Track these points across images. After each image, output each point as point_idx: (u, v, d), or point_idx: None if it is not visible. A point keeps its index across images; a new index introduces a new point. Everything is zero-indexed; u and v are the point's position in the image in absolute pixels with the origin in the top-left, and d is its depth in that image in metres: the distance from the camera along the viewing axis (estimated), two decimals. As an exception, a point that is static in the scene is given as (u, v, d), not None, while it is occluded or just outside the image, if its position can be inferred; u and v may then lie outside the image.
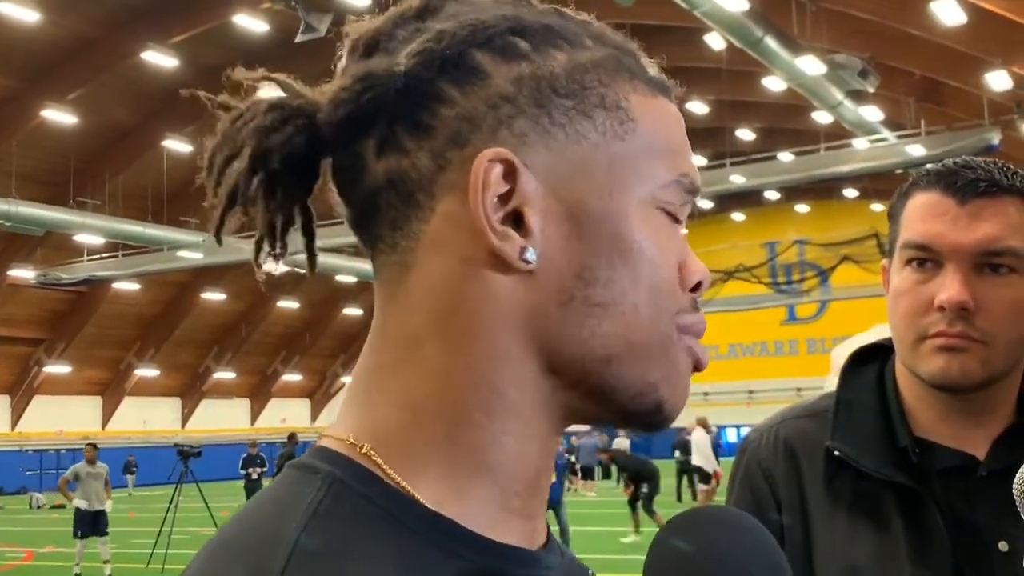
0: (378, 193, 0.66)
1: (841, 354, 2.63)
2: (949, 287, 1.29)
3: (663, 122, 0.70)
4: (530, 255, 0.64)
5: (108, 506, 13.87)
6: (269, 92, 0.70)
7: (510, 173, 0.64)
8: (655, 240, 0.67)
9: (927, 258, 1.32)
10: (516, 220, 0.65)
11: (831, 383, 2.52)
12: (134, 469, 31.39)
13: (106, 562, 13.45)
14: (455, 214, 0.64)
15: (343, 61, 0.70)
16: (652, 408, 0.68)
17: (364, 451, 0.64)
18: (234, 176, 0.67)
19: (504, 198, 0.64)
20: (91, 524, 13.48)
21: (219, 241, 0.70)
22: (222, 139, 0.68)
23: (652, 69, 0.73)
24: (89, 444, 14.65)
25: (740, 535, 0.70)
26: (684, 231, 0.72)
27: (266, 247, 0.70)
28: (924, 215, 1.33)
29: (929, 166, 1.38)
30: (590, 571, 0.76)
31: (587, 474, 26.64)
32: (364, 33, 0.70)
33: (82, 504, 13.53)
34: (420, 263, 0.66)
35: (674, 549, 0.69)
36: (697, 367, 0.71)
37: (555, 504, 13.20)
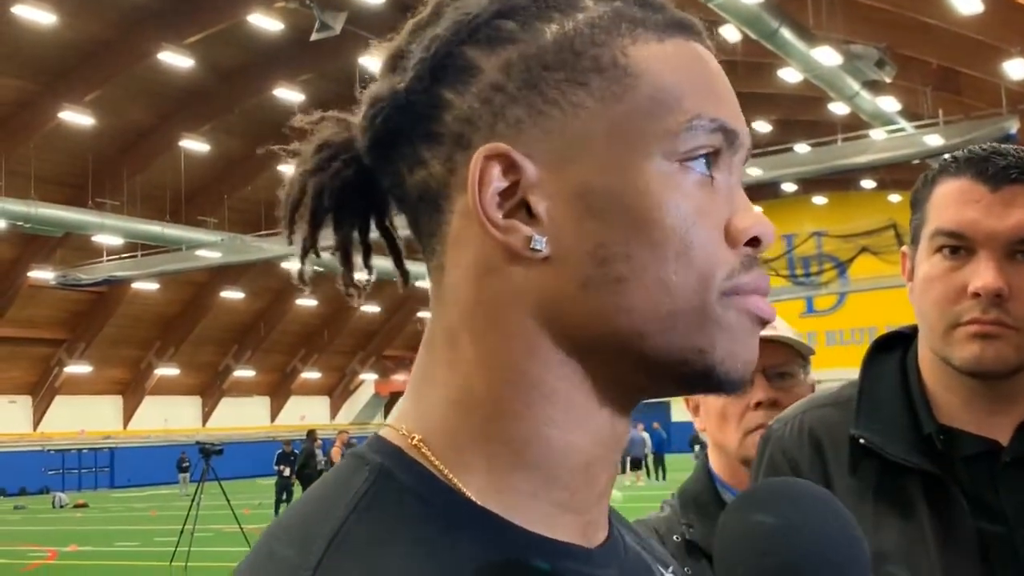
0: (416, 206, 0.69)
1: None
2: (984, 274, 1.28)
3: (673, 66, 0.66)
4: (537, 243, 0.63)
5: None
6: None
7: (511, 165, 0.64)
8: (679, 203, 0.63)
9: (959, 245, 1.31)
10: (528, 209, 0.64)
11: None
12: (186, 465, 31.37)
13: None
14: (468, 212, 0.65)
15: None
16: (703, 373, 0.65)
17: (414, 442, 0.66)
18: (303, 220, 0.70)
19: (510, 190, 0.64)
20: None
21: (304, 282, 0.73)
22: (289, 187, 0.71)
23: (666, 12, 0.68)
24: (344, 433, 13.14)
25: (821, 510, 0.71)
26: (733, 181, 0.67)
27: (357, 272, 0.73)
28: (955, 202, 1.32)
29: (956, 153, 1.37)
30: (661, 568, 0.75)
31: (635, 465, 28.25)
32: (389, 52, 0.70)
33: None
34: (449, 263, 0.67)
35: (757, 523, 0.67)
36: (763, 322, 0.66)
37: None
